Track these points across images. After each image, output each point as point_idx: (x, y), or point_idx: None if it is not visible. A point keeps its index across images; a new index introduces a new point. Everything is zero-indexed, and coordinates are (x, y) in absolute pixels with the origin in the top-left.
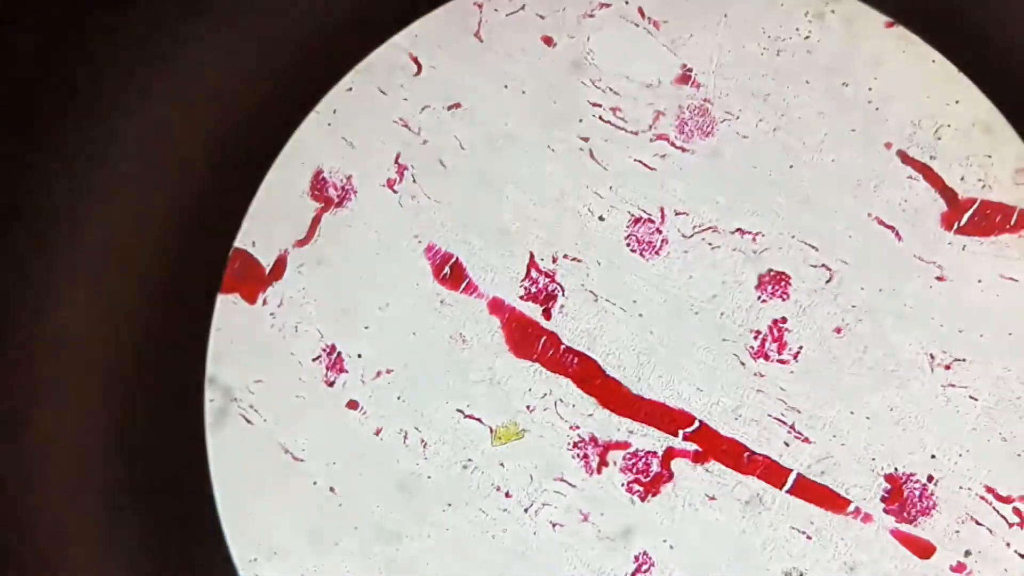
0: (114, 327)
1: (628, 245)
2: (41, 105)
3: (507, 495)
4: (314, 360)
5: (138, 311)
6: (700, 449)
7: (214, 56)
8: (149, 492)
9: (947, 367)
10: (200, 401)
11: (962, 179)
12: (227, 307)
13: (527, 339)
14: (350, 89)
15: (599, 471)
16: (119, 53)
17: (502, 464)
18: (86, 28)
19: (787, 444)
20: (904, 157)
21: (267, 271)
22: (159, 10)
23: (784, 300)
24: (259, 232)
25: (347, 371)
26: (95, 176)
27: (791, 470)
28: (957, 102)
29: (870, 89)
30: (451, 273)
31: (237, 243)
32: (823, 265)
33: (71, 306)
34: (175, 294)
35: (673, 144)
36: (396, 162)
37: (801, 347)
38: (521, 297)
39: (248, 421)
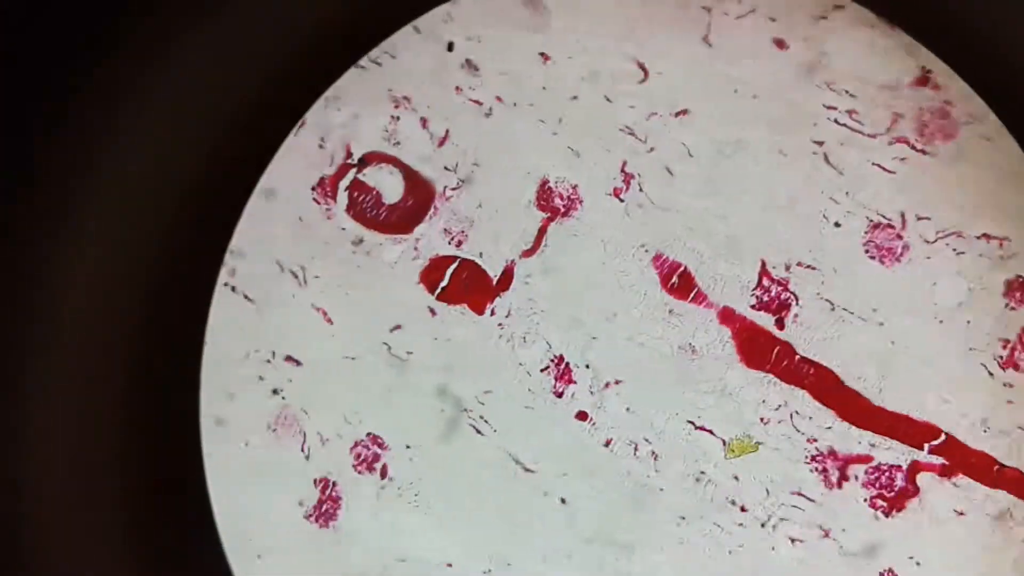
0: (112, 330)
1: (866, 251)
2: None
3: (743, 509)
4: (542, 371)
5: (135, 315)
6: (947, 462)
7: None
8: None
9: None
10: (195, 406)
11: None
12: (455, 318)
13: (760, 349)
14: (575, 97)
15: (839, 485)
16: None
17: (736, 477)
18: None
19: None
20: None
21: (495, 282)
22: None
23: None
24: (486, 243)
25: (575, 382)
26: (102, 172)
27: None
28: None
29: None
30: (679, 282)
31: (464, 254)
32: None
33: (71, 309)
34: (171, 295)
35: (913, 147)
36: (622, 170)
37: None
38: (752, 306)
39: (479, 432)
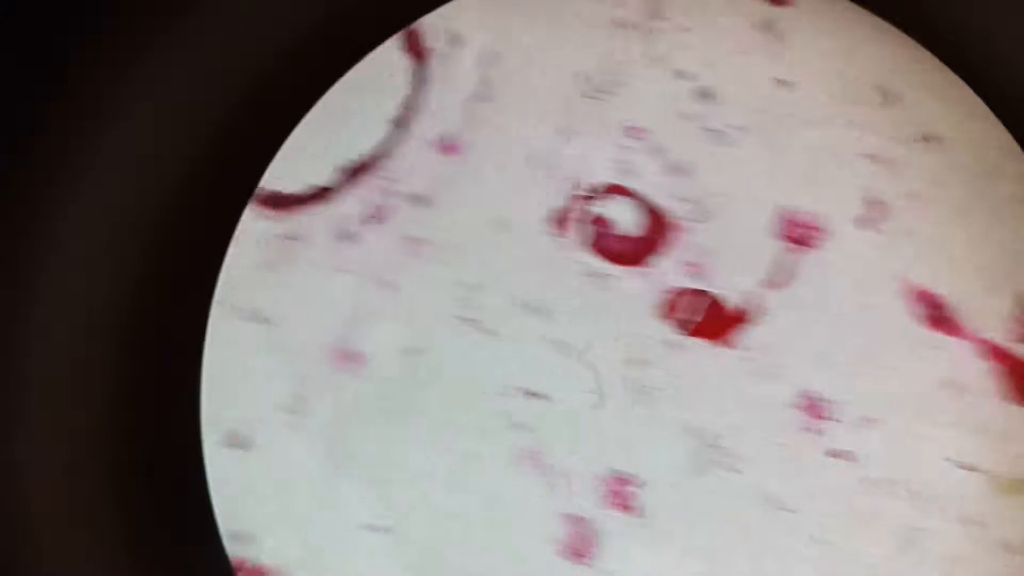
0: (112, 325)
1: None
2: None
3: (1019, 553)
4: (794, 407)
5: (130, 308)
6: None
7: None
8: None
9: None
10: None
11: None
12: (698, 352)
13: None
14: (816, 123)
15: None
16: None
17: (1010, 521)
18: None
19: None
20: None
21: (737, 315)
22: None
23: None
24: (726, 275)
25: (830, 418)
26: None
27: None
28: None
29: None
30: (937, 315)
31: (704, 286)
32: None
33: (71, 307)
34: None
35: None
36: (868, 198)
37: None
38: (1017, 339)
39: (731, 469)
